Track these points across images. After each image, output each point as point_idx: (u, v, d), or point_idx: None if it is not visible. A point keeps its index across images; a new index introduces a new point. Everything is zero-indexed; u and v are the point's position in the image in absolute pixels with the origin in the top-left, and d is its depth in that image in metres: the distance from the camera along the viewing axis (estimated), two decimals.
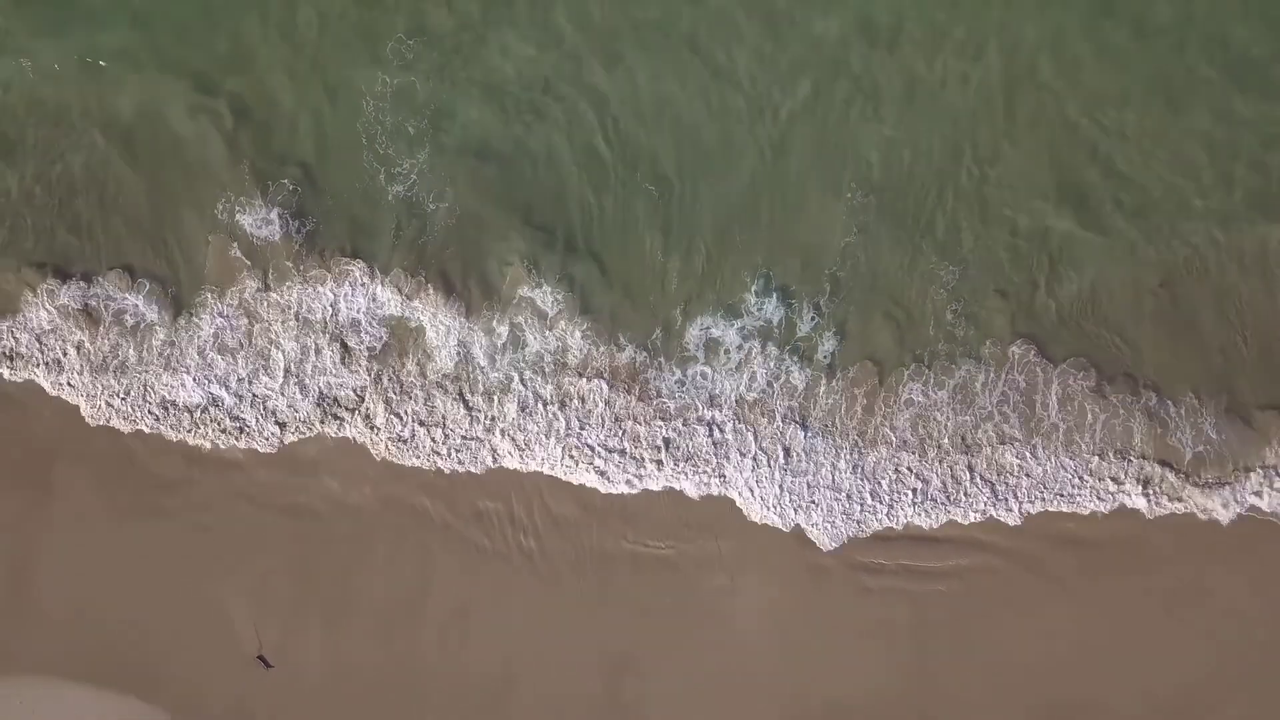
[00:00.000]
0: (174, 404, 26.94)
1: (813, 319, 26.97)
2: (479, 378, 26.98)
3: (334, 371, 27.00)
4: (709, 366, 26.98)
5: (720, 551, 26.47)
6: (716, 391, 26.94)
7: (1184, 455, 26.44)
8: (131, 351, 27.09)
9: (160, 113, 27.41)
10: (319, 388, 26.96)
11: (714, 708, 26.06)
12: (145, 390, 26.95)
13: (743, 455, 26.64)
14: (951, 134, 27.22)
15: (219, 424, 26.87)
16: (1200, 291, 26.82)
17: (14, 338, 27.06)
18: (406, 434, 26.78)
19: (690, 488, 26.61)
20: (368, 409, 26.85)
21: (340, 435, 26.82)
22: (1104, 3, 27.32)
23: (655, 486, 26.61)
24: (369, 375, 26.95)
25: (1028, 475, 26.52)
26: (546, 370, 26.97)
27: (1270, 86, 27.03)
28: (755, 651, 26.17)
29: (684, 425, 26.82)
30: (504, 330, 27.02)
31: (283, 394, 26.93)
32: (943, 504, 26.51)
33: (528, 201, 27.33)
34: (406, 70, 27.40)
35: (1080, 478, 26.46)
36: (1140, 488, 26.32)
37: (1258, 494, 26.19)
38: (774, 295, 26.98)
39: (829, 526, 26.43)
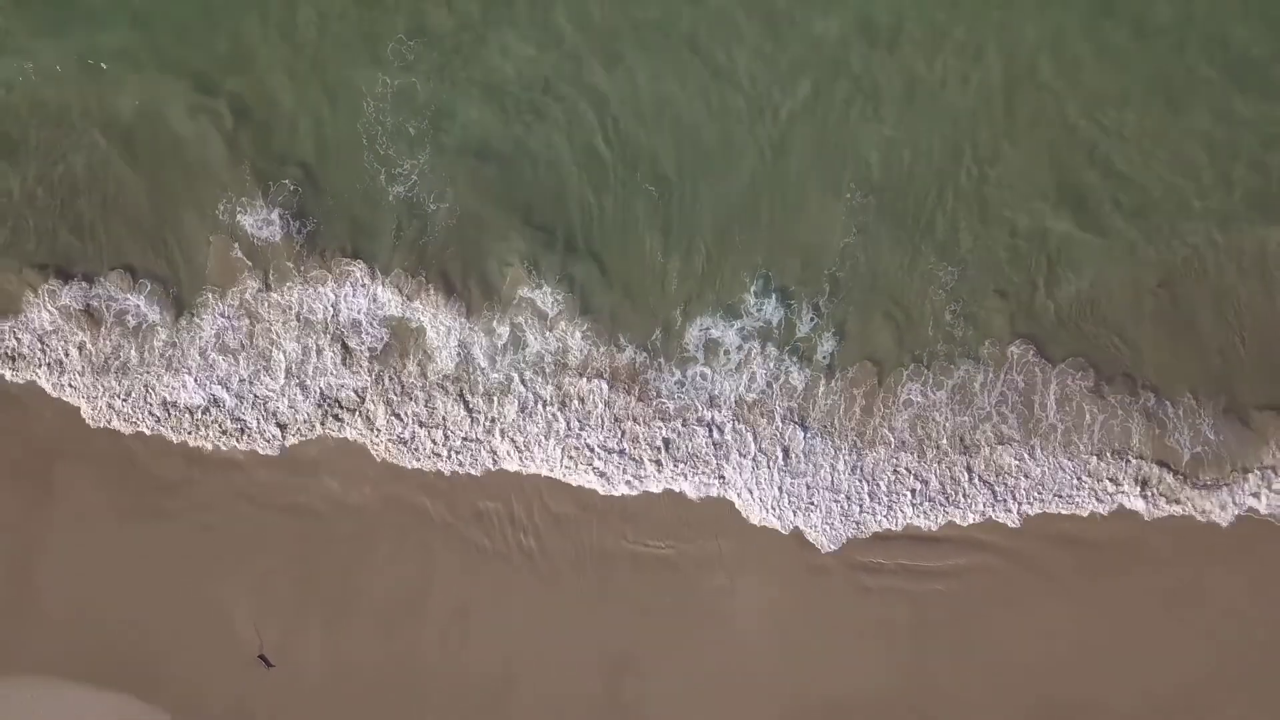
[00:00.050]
0: (175, 405, 26.96)
1: (812, 319, 26.97)
2: (479, 378, 26.99)
3: (335, 372, 27.01)
4: (709, 367, 26.99)
5: (720, 551, 26.50)
6: (716, 392, 26.95)
7: (1182, 456, 26.47)
8: (133, 352, 27.09)
9: (160, 113, 27.36)
10: (320, 388, 26.97)
11: (714, 707, 26.11)
12: (146, 391, 26.94)
13: (742, 456, 26.67)
14: (951, 134, 27.19)
15: (220, 425, 26.89)
16: (1199, 292, 26.82)
17: (16, 339, 27.06)
18: (407, 435, 26.82)
19: (690, 489, 26.64)
20: (368, 410, 26.90)
21: (341, 436, 26.87)
22: (1104, 3, 27.27)
23: (655, 488, 26.65)
24: (370, 376, 27.00)
25: (1026, 476, 26.54)
26: (547, 371, 26.98)
27: (1270, 86, 27.00)
28: (755, 651, 26.21)
29: (683, 426, 26.83)
30: (504, 331, 27.03)
31: (284, 395, 26.97)
32: (941, 505, 26.52)
33: (528, 202, 27.32)
34: (407, 71, 27.36)
35: (1079, 478, 26.47)
36: (1138, 488, 26.33)
37: (1255, 495, 26.23)
38: (773, 295, 26.98)
39: (828, 528, 26.45)
